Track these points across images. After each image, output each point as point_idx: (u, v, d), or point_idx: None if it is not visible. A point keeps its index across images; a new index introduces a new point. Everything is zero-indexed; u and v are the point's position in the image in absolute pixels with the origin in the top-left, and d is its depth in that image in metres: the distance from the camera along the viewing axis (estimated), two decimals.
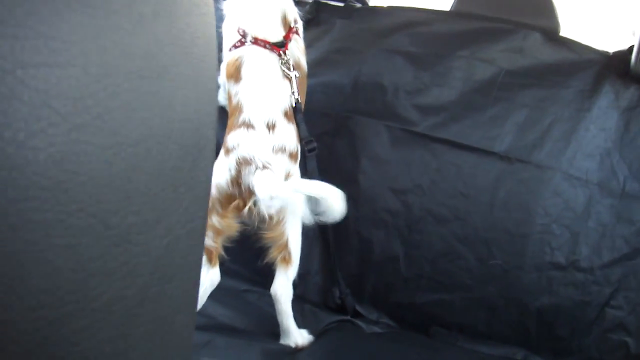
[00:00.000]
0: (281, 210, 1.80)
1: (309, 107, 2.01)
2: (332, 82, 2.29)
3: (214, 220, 1.77)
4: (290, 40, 1.91)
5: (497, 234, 2.07)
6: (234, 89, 1.82)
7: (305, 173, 1.93)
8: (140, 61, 0.45)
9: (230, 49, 1.88)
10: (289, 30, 1.93)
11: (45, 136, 0.37)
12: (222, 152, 1.80)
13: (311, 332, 1.98)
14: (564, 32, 2.29)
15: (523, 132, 2.10)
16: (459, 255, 2.10)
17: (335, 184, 2.16)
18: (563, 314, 2.02)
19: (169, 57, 0.48)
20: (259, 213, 1.77)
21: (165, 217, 0.50)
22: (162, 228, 0.50)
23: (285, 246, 1.85)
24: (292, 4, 1.98)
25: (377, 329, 2.12)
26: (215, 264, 1.82)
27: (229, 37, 1.90)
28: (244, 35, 1.86)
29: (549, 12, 2.31)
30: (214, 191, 1.77)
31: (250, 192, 1.72)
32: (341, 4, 2.52)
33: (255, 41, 1.85)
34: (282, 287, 1.87)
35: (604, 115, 2.08)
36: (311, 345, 1.93)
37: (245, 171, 1.73)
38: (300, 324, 1.96)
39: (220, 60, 1.92)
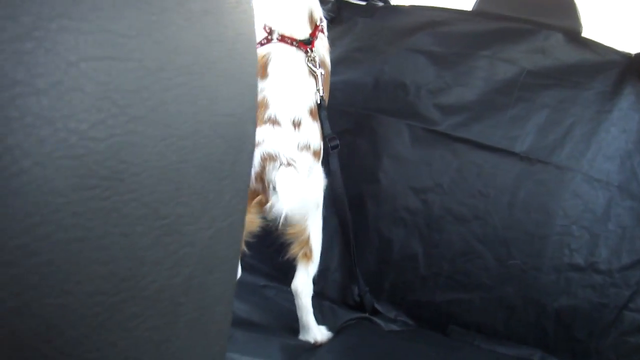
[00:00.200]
0: (302, 208, 1.81)
1: (330, 104, 2.01)
2: (354, 80, 2.30)
3: None
4: (317, 38, 1.92)
5: (517, 234, 2.07)
6: (260, 85, 1.83)
7: (327, 170, 1.93)
8: (190, 56, 0.46)
9: (257, 46, 1.88)
10: (315, 28, 1.94)
11: (105, 127, 0.38)
12: None
13: (330, 328, 1.98)
14: (586, 32, 2.29)
15: (544, 133, 2.10)
16: (478, 254, 2.10)
17: (356, 182, 2.19)
18: (581, 315, 2.02)
19: (215, 54, 0.50)
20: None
21: (210, 209, 0.51)
22: (206, 220, 0.51)
23: (307, 242, 1.86)
24: (318, 2, 1.99)
25: (395, 327, 2.12)
26: None
27: (256, 34, 1.90)
28: (270, 33, 1.87)
29: (571, 13, 2.30)
30: None
31: (273, 189, 1.72)
32: (363, 3, 2.53)
33: (282, 38, 1.86)
34: (303, 283, 1.88)
35: (625, 117, 2.08)
36: (330, 341, 1.94)
37: (269, 167, 1.74)
38: (319, 321, 1.97)
39: None
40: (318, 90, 1.86)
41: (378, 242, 2.21)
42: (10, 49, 0.33)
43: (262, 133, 1.77)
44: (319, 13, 1.97)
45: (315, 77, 1.87)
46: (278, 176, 1.71)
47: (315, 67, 1.87)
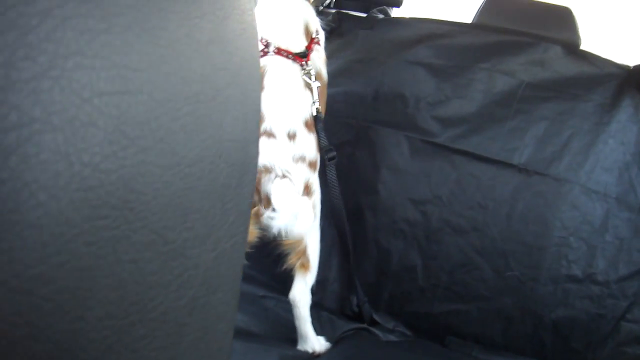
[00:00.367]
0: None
1: (330, 116, 2.03)
2: (354, 91, 2.32)
3: None
4: (312, 51, 1.94)
5: (515, 245, 2.09)
6: None
7: (324, 182, 1.95)
8: (198, 85, 0.47)
9: None
10: (311, 40, 1.95)
11: (117, 159, 0.40)
12: None
13: (328, 339, 1.99)
14: (585, 45, 2.30)
15: (542, 145, 2.12)
16: (476, 266, 2.12)
17: (355, 193, 2.20)
18: (578, 326, 2.03)
19: (221, 81, 0.51)
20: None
21: (214, 231, 0.53)
22: (211, 242, 0.52)
23: (304, 252, 1.87)
24: (314, 14, 2.01)
25: (393, 338, 2.13)
26: None
27: None
28: (266, 45, 1.88)
29: (570, 26, 2.32)
30: None
31: (269, 200, 1.74)
32: (363, 15, 2.54)
33: (278, 51, 1.87)
34: (301, 293, 1.89)
35: (623, 129, 2.09)
36: (328, 352, 1.94)
37: (265, 179, 1.75)
38: (317, 331, 1.97)
39: None
40: (314, 102, 1.87)
41: (377, 253, 2.22)
42: (29, 89, 0.34)
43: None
44: (315, 25, 1.99)
45: (311, 90, 1.88)
46: (273, 188, 1.72)
47: (311, 79, 1.88)
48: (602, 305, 2.02)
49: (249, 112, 0.57)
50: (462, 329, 2.14)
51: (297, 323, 1.92)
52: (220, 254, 0.54)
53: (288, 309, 1.95)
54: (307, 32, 1.96)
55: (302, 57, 1.89)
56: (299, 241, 1.85)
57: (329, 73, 2.06)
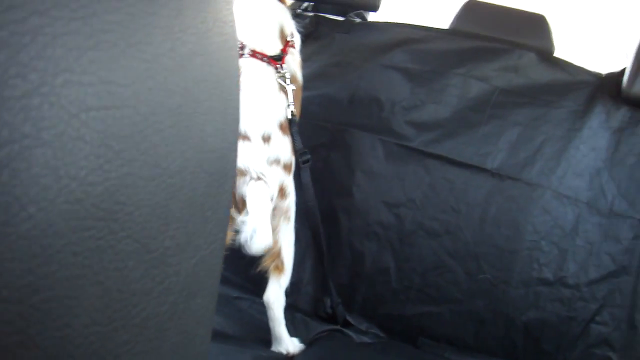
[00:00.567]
0: (273, 220, 1.82)
1: (305, 119, 2.05)
2: (330, 95, 2.33)
3: None
4: (287, 54, 1.95)
5: (487, 249, 2.11)
6: None
7: (299, 184, 1.96)
8: (180, 98, 0.49)
9: None
10: (286, 43, 1.96)
11: (102, 172, 0.41)
12: None
13: (302, 340, 2.01)
14: (559, 53, 2.34)
15: (515, 150, 2.14)
16: (449, 268, 2.14)
17: (330, 196, 2.21)
18: (549, 328, 2.06)
19: (203, 93, 0.52)
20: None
21: (194, 239, 0.54)
22: (191, 250, 0.54)
23: (278, 255, 1.88)
24: (290, 17, 2.02)
25: (366, 339, 2.15)
26: None
27: None
28: (241, 48, 1.88)
29: (544, 33, 2.36)
30: None
31: (244, 202, 1.74)
32: (341, 19, 2.55)
33: (253, 54, 1.87)
34: (275, 295, 1.90)
35: (595, 135, 2.13)
36: (302, 353, 1.95)
37: (239, 181, 1.75)
38: (291, 333, 1.98)
39: None
40: (289, 105, 1.88)
41: (350, 255, 2.24)
42: (20, 105, 0.35)
43: None
44: (290, 28, 1.99)
45: (286, 93, 1.89)
46: (248, 190, 1.72)
47: (286, 82, 1.89)
48: (572, 307, 2.05)
49: (229, 123, 0.58)
50: (435, 331, 2.16)
51: (271, 325, 1.93)
52: (199, 260, 0.56)
53: (262, 310, 1.96)
54: (282, 35, 1.96)
55: (277, 60, 1.90)
56: (274, 243, 1.85)
57: (305, 76, 2.07)
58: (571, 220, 2.08)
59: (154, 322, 0.50)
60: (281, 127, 1.86)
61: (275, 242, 1.86)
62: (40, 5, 0.37)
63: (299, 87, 2.00)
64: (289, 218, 1.90)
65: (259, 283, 1.94)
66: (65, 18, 0.38)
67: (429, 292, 2.16)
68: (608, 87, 2.19)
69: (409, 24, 2.51)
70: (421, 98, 2.25)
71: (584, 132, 2.13)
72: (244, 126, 1.79)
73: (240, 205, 1.75)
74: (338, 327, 2.16)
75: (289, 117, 1.88)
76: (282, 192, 1.83)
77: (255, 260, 1.88)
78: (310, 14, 2.55)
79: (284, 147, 1.85)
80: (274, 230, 1.84)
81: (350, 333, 2.15)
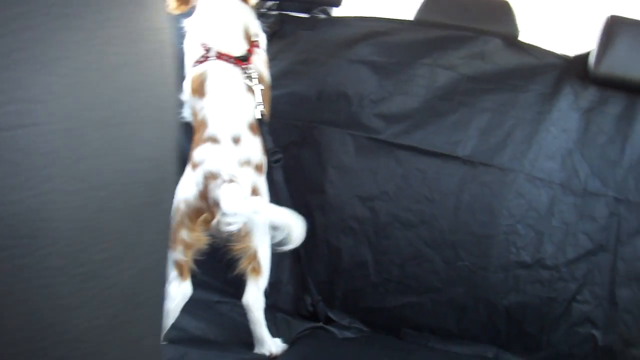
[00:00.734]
0: (248, 223, 1.81)
1: (275, 117, 2.04)
2: (298, 93, 2.33)
3: (184, 234, 1.79)
4: (253, 54, 1.94)
5: (463, 236, 2.12)
6: (199, 104, 1.84)
7: (272, 184, 1.95)
8: (106, 110, 0.48)
9: (193, 65, 1.89)
10: (252, 43, 1.95)
11: (23, 190, 0.40)
12: (188, 167, 1.82)
13: (285, 340, 2.00)
14: (527, 37, 2.34)
15: (485, 136, 2.15)
16: (427, 258, 2.14)
17: (303, 193, 2.21)
18: (531, 311, 2.08)
19: (133, 103, 0.52)
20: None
21: (131, 250, 0.53)
22: (128, 261, 0.53)
23: (255, 257, 1.87)
24: (254, 17, 2.01)
25: (349, 334, 2.15)
26: (186, 278, 1.83)
27: (192, 53, 1.91)
28: (207, 51, 1.87)
29: (509, 18, 2.36)
30: (182, 206, 1.79)
31: (218, 206, 1.73)
32: (305, 16, 2.54)
33: (219, 56, 1.87)
34: (254, 298, 1.89)
35: (564, 117, 2.14)
36: (285, 353, 1.95)
37: (211, 185, 1.74)
38: (273, 333, 1.98)
39: (183, 77, 1.95)
40: (257, 105, 1.87)
41: (327, 251, 2.24)
42: None
43: (203, 152, 1.78)
44: (254, 28, 1.99)
45: (254, 93, 1.88)
46: (221, 193, 1.71)
47: (253, 82, 1.88)
48: (552, 288, 2.06)
49: (165, 131, 0.57)
50: (417, 321, 2.17)
51: (252, 327, 1.93)
52: (139, 271, 0.55)
53: (243, 313, 1.95)
54: (247, 36, 1.96)
55: (243, 60, 1.90)
56: (249, 245, 1.85)
57: (272, 75, 2.07)
58: (546, 202, 2.09)
59: (92, 335, 0.50)
60: (251, 127, 1.85)
61: (251, 244, 1.85)
62: None
63: (267, 87, 1.99)
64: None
65: (239, 286, 1.94)
66: None
67: (408, 283, 2.16)
68: (575, 68, 2.20)
69: (374, 17, 2.51)
70: (389, 90, 2.25)
71: (554, 114, 2.14)
72: (213, 129, 1.80)
73: (214, 209, 1.74)
74: (320, 324, 2.17)
75: (258, 117, 1.87)
76: (254, 193, 1.82)
77: (233, 263, 1.88)
78: (275, 12, 2.53)
79: (254, 148, 1.84)
80: (248, 232, 1.83)
81: (333, 329, 2.15)
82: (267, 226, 1.90)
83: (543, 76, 2.20)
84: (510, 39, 2.32)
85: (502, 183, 2.11)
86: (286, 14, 2.55)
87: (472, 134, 2.16)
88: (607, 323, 2.03)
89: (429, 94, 2.23)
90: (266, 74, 1.99)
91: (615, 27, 2.11)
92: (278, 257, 2.15)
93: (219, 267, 1.95)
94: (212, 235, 1.82)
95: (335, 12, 2.66)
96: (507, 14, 2.37)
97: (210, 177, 1.75)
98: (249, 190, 1.80)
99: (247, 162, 1.81)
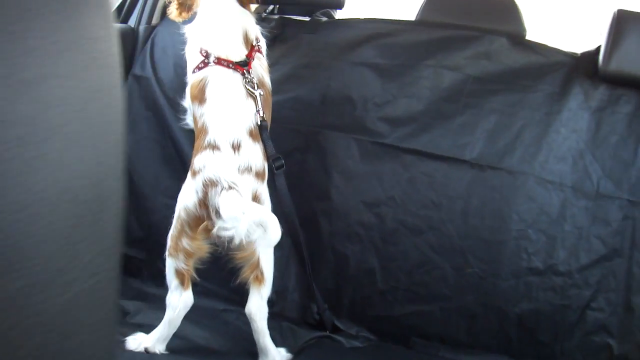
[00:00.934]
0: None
1: (278, 123, 2.01)
2: (301, 97, 2.29)
3: (184, 242, 1.77)
4: (253, 59, 1.91)
5: (472, 242, 2.07)
6: (199, 110, 1.82)
7: (275, 190, 1.92)
8: (22, 128, 0.44)
9: (193, 71, 1.87)
10: (251, 48, 1.93)
11: None
12: (189, 174, 1.79)
13: (289, 349, 1.96)
14: (532, 35, 2.29)
15: (493, 139, 2.11)
16: (435, 265, 2.10)
17: (308, 200, 2.18)
18: (544, 319, 2.02)
19: (58, 118, 0.48)
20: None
21: (62, 275, 0.49)
22: (58, 286, 0.49)
23: (257, 265, 1.83)
24: (254, 22, 1.98)
25: (357, 344, 2.11)
26: (187, 287, 1.81)
27: (192, 59, 1.89)
28: (206, 56, 1.85)
29: (515, 17, 2.32)
30: (182, 214, 1.77)
31: (217, 214, 1.70)
32: (307, 19, 2.51)
33: (219, 61, 1.85)
34: (257, 307, 1.86)
35: (574, 117, 2.09)
36: None
37: (211, 192, 1.71)
38: (278, 342, 1.95)
39: (185, 84, 1.93)
40: (258, 111, 1.84)
41: (334, 258, 2.20)
42: None
43: (203, 159, 1.75)
44: (254, 33, 1.96)
45: (254, 98, 1.85)
46: (220, 201, 1.68)
47: (254, 88, 1.85)
48: (565, 295, 2.01)
49: (104, 146, 0.53)
50: (426, 330, 2.12)
51: (256, 337, 1.89)
52: (74, 296, 0.51)
53: (249, 322, 1.91)
54: (247, 40, 1.93)
55: (243, 65, 1.87)
56: (251, 254, 1.81)
57: (274, 80, 2.04)
58: (557, 206, 2.04)
59: None
60: (251, 133, 1.82)
61: (253, 252, 1.81)
62: None
63: (268, 92, 1.96)
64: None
65: (245, 294, 1.89)
66: None
67: (416, 291, 2.12)
68: (584, 66, 2.16)
69: (376, 19, 2.48)
70: (393, 93, 2.22)
71: (563, 114, 2.09)
72: (213, 135, 1.77)
73: (214, 217, 1.71)
74: (327, 333, 2.12)
75: (259, 123, 1.84)
76: (256, 201, 1.79)
77: (237, 271, 1.85)
78: (276, 16, 2.51)
79: (255, 154, 1.81)
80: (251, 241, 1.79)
81: (340, 338, 2.11)
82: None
83: (551, 75, 2.15)
84: (517, 38, 2.27)
85: (512, 186, 2.07)
86: (288, 18, 2.53)
87: (480, 136, 2.11)
88: (622, 331, 1.97)
89: (434, 96, 2.19)
90: (267, 78, 1.96)
91: (623, 22, 2.06)
92: (284, 264, 2.16)
93: (226, 275, 1.91)
94: (213, 244, 1.79)
95: (339, 14, 2.63)
96: (513, 12, 2.33)
97: (210, 185, 1.72)
98: (250, 198, 1.77)
99: (248, 169, 1.77)
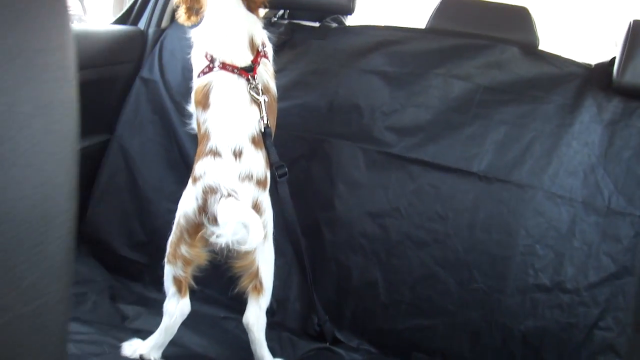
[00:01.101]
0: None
1: (284, 130, 2.00)
2: (308, 104, 2.26)
3: (183, 249, 1.74)
4: (259, 64, 1.88)
5: (478, 256, 2.03)
6: (203, 116, 1.79)
7: (277, 199, 1.89)
8: None
9: (199, 76, 1.85)
10: (257, 54, 1.90)
11: None
12: (190, 181, 1.77)
13: None
14: (546, 46, 2.25)
15: (502, 151, 2.07)
16: (439, 279, 2.06)
17: (312, 209, 2.15)
18: (549, 337, 1.97)
19: None
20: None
21: None
22: None
23: (256, 275, 1.81)
24: (260, 27, 1.95)
25: (357, 356, 2.07)
26: (185, 294, 1.78)
27: (198, 63, 1.87)
28: (212, 61, 1.83)
29: (528, 26, 2.28)
30: (182, 220, 1.75)
31: (216, 221, 1.67)
32: (316, 24, 2.48)
33: (223, 66, 1.82)
34: (255, 317, 1.83)
35: (586, 130, 2.04)
36: None
37: (211, 200, 1.69)
38: (277, 353, 1.93)
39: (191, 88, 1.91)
40: (262, 117, 1.81)
41: (336, 269, 2.16)
42: None
43: (203, 166, 1.73)
44: (260, 38, 1.93)
45: (259, 105, 1.82)
46: (219, 208, 1.66)
47: (258, 94, 1.82)
48: (573, 314, 1.96)
49: (51, 164, 0.50)
50: (429, 345, 2.08)
51: (253, 347, 1.86)
52: (10, 321, 0.48)
53: None
54: (253, 46, 1.90)
55: (248, 71, 1.84)
56: (250, 263, 1.79)
57: (282, 86, 2.02)
58: (566, 221, 1.99)
59: None
60: (253, 140, 1.79)
61: (252, 261, 1.78)
62: None
63: (273, 98, 1.93)
64: (265, 235, 1.82)
65: (247, 302, 1.86)
66: None
67: (420, 305, 2.08)
68: (598, 78, 2.11)
69: (386, 26, 2.44)
70: (401, 102, 2.18)
71: (575, 127, 2.05)
72: (214, 142, 1.74)
73: (213, 224, 1.69)
74: (327, 345, 2.09)
75: (262, 129, 1.81)
76: (256, 209, 1.76)
77: (236, 279, 1.82)
78: (286, 21, 2.48)
79: (257, 162, 1.78)
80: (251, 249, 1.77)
81: (340, 351, 2.08)
82: (271, 243, 1.84)
83: (564, 86, 2.11)
84: (529, 48, 2.23)
85: (520, 200, 2.02)
86: (297, 23, 2.51)
87: (489, 148, 2.07)
88: (631, 352, 1.92)
89: (443, 105, 2.15)
90: (272, 84, 1.93)
91: (639, 33, 2.01)
92: (286, 274, 2.14)
93: (228, 282, 1.89)
94: (212, 251, 1.76)
95: (349, 20, 2.60)
96: (525, 21, 2.29)
97: (210, 192, 1.69)
98: (250, 206, 1.74)
99: (249, 177, 1.74)
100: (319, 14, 2.52)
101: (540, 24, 2.30)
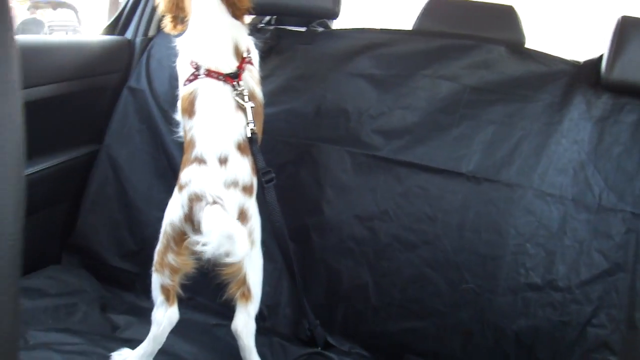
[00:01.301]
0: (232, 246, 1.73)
1: (270, 135, 1.99)
2: (295, 109, 2.26)
3: (170, 258, 1.74)
4: (244, 71, 1.87)
5: (468, 257, 2.02)
6: (189, 123, 1.79)
7: (265, 205, 1.88)
8: None
9: (184, 84, 1.84)
10: (242, 60, 1.89)
11: None
12: (176, 189, 1.76)
13: None
14: (534, 44, 2.25)
15: (491, 150, 2.06)
16: (430, 281, 2.05)
17: (300, 214, 2.14)
18: (542, 336, 1.96)
19: None
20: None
21: None
22: None
23: (244, 282, 1.80)
24: (245, 34, 1.94)
25: None
26: (173, 303, 1.77)
27: (183, 71, 1.86)
28: (197, 68, 1.82)
29: (514, 25, 2.28)
30: (168, 229, 1.75)
31: (200, 229, 1.66)
32: (303, 29, 2.48)
33: (209, 73, 1.81)
34: (243, 324, 1.82)
35: (575, 127, 2.04)
36: None
37: (196, 207, 1.68)
38: (268, 359, 1.94)
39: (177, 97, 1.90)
40: (248, 123, 1.81)
41: (326, 273, 2.16)
42: None
43: (189, 173, 1.72)
44: (245, 45, 1.92)
45: (244, 111, 1.81)
46: (204, 215, 1.65)
47: (244, 100, 1.81)
48: (565, 312, 1.95)
49: None
50: (421, 347, 2.07)
51: (242, 354, 1.86)
52: None
53: None
54: (238, 52, 1.89)
55: (233, 77, 1.83)
56: (238, 270, 1.78)
57: (269, 91, 2.02)
58: (557, 219, 1.99)
59: None
60: (239, 147, 1.78)
61: (240, 268, 1.78)
62: None
63: (259, 104, 1.92)
64: (253, 242, 1.81)
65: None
66: None
67: (411, 307, 2.07)
68: (586, 75, 2.10)
69: (372, 29, 2.43)
70: (388, 104, 2.18)
71: (564, 124, 2.04)
72: (200, 149, 1.74)
73: (194, 232, 1.69)
74: (318, 349, 2.08)
75: (249, 135, 1.80)
76: (242, 216, 1.75)
77: (224, 287, 1.81)
78: (272, 27, 2.47)
79: (242, 169, 1.77)
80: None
81: (332, 355, 2.07)
82: (259, 249, 1.83)
83: (552, 84, 2.10)
84: (516, 46, 2.22)
85: (510, 200, 2.01)
86: (283, 29, 2.50)
87: (477, 148, 2.07)
88: (625, 349, 1.91)
89: (431, 107, 2.15)
90: (258, 90, 1.92)
91: (627, 29, 2.01)
92: (276, 279, 2.14)
93: (218, 289, 1.88)
94: (199, 259, 1.75)
95: (335, 24, 2.60)
96: (511, 19, 2.28)
97: (196, 199, 1.68)
98: (236, 213, 1.73)
99: (234, 184, 1.73)
100: (305, 19, 2.51)
101: (526, 22, 2.29)
